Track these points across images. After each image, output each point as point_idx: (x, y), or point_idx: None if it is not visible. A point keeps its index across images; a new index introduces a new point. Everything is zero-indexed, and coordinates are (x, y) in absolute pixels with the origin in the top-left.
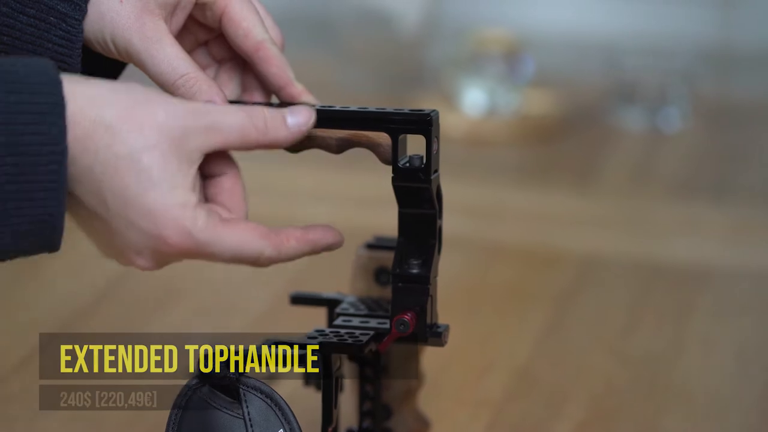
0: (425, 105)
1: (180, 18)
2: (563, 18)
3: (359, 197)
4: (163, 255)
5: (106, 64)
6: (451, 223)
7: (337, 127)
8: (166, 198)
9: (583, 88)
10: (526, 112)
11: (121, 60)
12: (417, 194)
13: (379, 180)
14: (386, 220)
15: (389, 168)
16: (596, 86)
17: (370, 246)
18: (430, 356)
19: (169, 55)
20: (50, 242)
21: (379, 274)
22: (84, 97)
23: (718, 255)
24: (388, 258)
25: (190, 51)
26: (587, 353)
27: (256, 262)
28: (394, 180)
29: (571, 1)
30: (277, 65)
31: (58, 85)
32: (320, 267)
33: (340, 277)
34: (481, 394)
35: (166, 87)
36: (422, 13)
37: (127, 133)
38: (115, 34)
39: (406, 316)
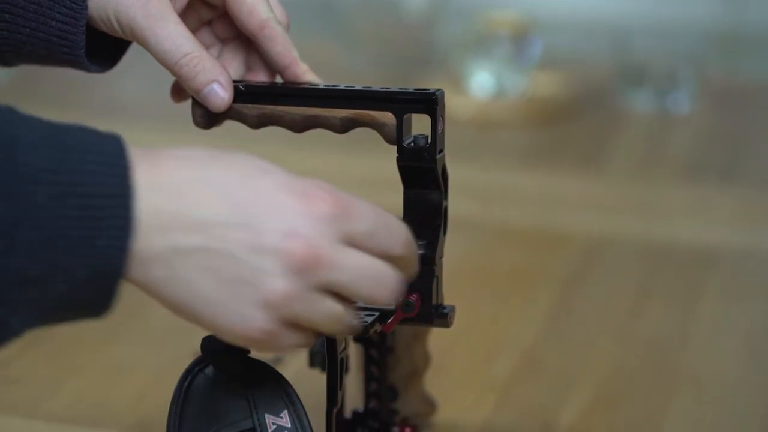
0: (432, 87)
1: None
2: (571, 0)
3: (364, 179)
4: (318, 229)
5: (109, 43)
6: (458, 205)
7: (341, 106)
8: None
9: (591, 71)
10: (534, 94)
11: (125, 38)
12: (422, 174)
13: (385, 161)
14: (391, 201)
15: (394, 148)
16: (604, 68)
17: None
18: (436, 338)
19: (173, 34)
20: (104, 302)
21: None
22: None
23: (727, 238)
24: None
25: (194, 30)
26: (594, 336)
27: (397, 231)
28: (398, 160)
29: None
30: (281, 44)
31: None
32: None
33: None
34: (487, 376)
35: (169, 66)
36: None
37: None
38: (119, 11)
39: (411, 297)
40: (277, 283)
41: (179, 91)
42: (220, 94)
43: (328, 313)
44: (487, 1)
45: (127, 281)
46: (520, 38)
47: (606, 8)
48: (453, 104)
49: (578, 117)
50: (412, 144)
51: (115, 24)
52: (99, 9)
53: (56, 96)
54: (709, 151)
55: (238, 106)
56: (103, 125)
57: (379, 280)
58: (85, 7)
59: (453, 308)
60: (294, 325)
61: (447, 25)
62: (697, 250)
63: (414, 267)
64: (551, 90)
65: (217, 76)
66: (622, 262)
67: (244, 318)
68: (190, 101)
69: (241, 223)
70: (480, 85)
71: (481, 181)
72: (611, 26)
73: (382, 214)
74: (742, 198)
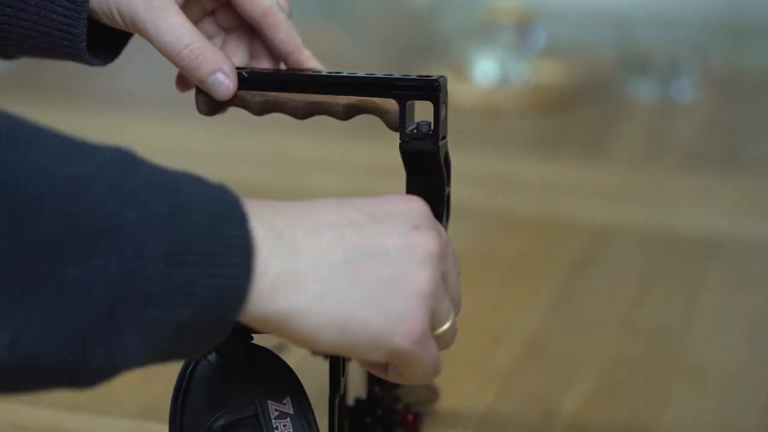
0: (436, 74)
1: None
2: None
3: (369, 166)
4: (432, 221)
5: (110, 35)
6: (461, 192)
7: (344, 93)
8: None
9: (595, 59)
10: (538, 83)
11: (126, 31)
12: (424, 161)
13: (389, 149)
14: (396, 189)
15: (397, 135)
16: (607, 57)
17: None
18: None
19: (174, 25)
20: (221, 331)
21: None
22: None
23: (730, 226)
24: None
25: (197, 20)
26: (597, 324)
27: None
28: (401, 146)
29: None
30: (284, 31)
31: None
32: None
33: None
34: (490, 364)
35: (171, 57)
36: None
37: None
38: (120, 3)
39: None
40: (424, 273)
41: (184, 80)
42: (225, 83)
43: (449, 312)
44: None
45: (260, 318)
46: (523, 26)
47: None
48: (456, 92)
49: (581, 105)
50: (415, 130)
51: (117, 16)
52: (101, 2)
53: (59, 86)
54: (712, 139)
55: (242, 93)
56: (106, 115)
57: (457, 306)
58: (87, 0)
59: None
60: (433, 326)
61: (450, 13)
62: (699, 238)
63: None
64: (554, 78)
65: (220, 65)
66: (624, 251)
67: (405, 312)
68: (194, 90)
69: (367, 228)
70: (483, 73)
71: (484, 168)
72: (614, 15)
73: (455, 254)
74: (744, 187)
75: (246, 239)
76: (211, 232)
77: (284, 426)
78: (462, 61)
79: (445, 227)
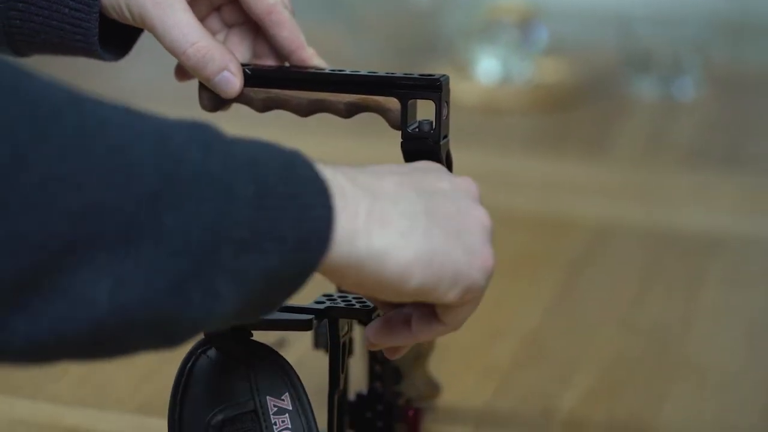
0: (438, 73)
1: None
2: None
3: (370, 162)
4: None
5: (122, 30)
6: None
7: (346, 91)
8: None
9: (597, 57)
10: (540, 81)
11: (136, 26)
12: (426, 159)
13: (392, 146)
14: None
15: (399, 133)
16: (610, 55)
17: None
18: None
19: (181, 22)
20: (305, 277)
21: None
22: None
23: (730, 224)
24: None
25: (204, 16)
26: (597, 322)
27: None
28: (403, 145)
29: None
30: (288, 29)
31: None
32: None
33: None
34: (489, 360)
35: (178, 55)
36: None
37: None
38: (130, 3)
39: None
40: (479, 209)
41: (182, 70)
42: (231, 81)
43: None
44: None
45: (347, 262)
46: (525, 24)
47: None
48: (459, 90)
49: (583, 103)
50: (417, 129)
51: (126, 12)
52: (113, 5)
53: (64, 83)
54: (713, 137)
55: (245, 89)
56: None
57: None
58: None
59: None
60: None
61: (453, 11)
62: (699, 236)
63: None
64: (557, 76)
65: (226, 63)
66: (625, 249)
67: (480, 246)
68: (195, 84)
69: (433, 187)
70: (486, 71)
71: (485, 166)
72: (617, 13)
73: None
74: (745, 185)
75: (324, 182)
76: (291, 175)
77: (282, 422)
78: (464, 60)
79: None
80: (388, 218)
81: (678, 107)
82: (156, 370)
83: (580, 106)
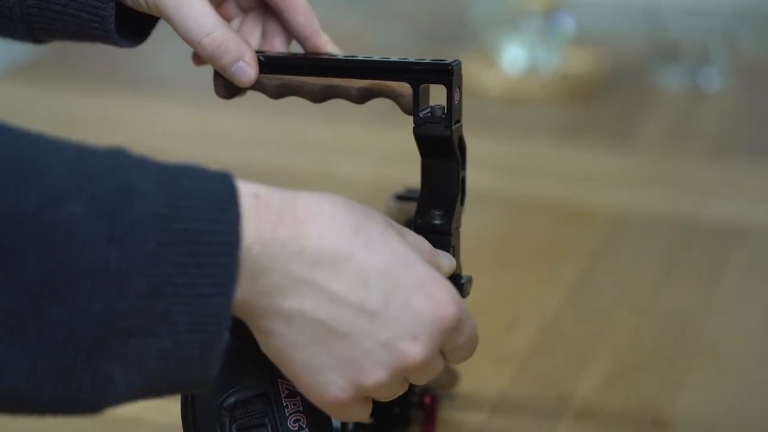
0: (465, 62)
1: None
2: None
3: (393, 152)
4: (442, 331)
5: (139, 18)
6: (485, 178)
7: (359, 76)
8: (428, 267)
9: (624, 47)
10: (566, 71)
11: (151, 14)
12: (438, 144)
13: (408, 133)
14: (415, 174)
15: (411, 120)
16: (636, 45)
17: (400, 197)
18: None
19: (196, 11)
20: (207, 358)
21: (408, 225)
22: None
23: (754, 214)
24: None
25: (220, 3)
26: (615, 309)
27: (474, 349)
28: (415, 130)
29: None
30: (304, 14)
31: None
32: None
33: None
34: (506, 347)
35: (194, 45)
36: None
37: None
38: None
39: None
40: (381, 375)
41: (199, 57)
42: (247, 71)
43: (393, 395)
44: None
45: (246, 321)
46: (552, 14)
47: None
48: (484, 80)
49: (610, 94)
50: (429, 114)
51: (142, 1)
52: None
53: (89, 71)
54: (740, 127)
55: (260, 76)
56: (134, 98)
57: (433, 374)
58: None
59: (470, 278)
60: (366, 399)
61: (480, 0)
62: (723, 226)
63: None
64: (583, 66)
65: (242, 53)
66: (647, 238)
67: (334, 388)
68: (210, 70)
69: (371, 312)
70: (512, 60)
71: (510, 156)
72: (643, 2)
73: (474, 333)
74: None
75: (232, 268)
76: (196, 263)
77: (294, 405)
78: (490, 49)
79: (460, 211)
80: (275, 321)
81: (704, 97)
82: None
83: (605, 97)
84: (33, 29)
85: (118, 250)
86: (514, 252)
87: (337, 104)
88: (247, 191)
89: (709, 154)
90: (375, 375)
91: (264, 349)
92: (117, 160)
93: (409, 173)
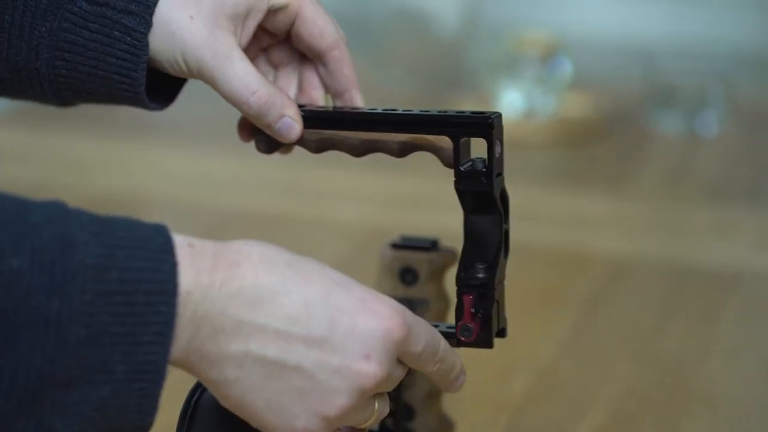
0: (463, 106)
1: (250, 28)
2: (601, 21)
3: (389, 198)
4: (393, 343)
5: (166, 81)
6: None
7: (399, 130)
8: (364, 287)
9: (621, 92)
10: (564, 115)
11: (191, 77)
12: (480, 198)
13: (409, 180)
14: (414, 219)
15: (421, 168)
16: (634, 89)
17: (395, 246)
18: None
19: (240, 72)
20: (145, 406)
21: (404, 274)
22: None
23: (750, 260)
24: (412, 258)
25: (252, 58)
26: (612, 356)
27: (438, 353)
28: (456, 184)
29: (611, 3)
30: (349, 67)
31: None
32: (348, 267)
33: (368, 277)
34: (502, 395)
35: (240, 104)
36: (461, 14)
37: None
38: (186, 52)
39: (470, 323)
40: (342, 400)
41: (246, 130)
42: (293, 127)
43: (368, 416)
44: (517, 20)
45: (197, 377)
46: (549, 58)
47: (636, 29)
48: None
49: (607, 138)
50: (470, 167)
51: (183, 65)
52: (166, 51)
53: (89, 114)
54: (737, 173)
55: (302, 135)
56: (136, 142)
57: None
58: (147, 44)
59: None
60: (343, 424)
61: (478, 44)
62: (719, 271)
63: (448, 380)
64: (580, 111)
65: (287, 109)
66: (644, 283)
67: (301, 422)
68: (217, 118)
69: (318, 340)
70: (509, 104)
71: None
72: (641, 47)
73: (431, 337)
74: (766, 219)
75: (169, 316)
76: (134, 312)
77: None
78: (489, 93)
79: (504, 264)
80: (222, 364)
81: (701, 142)
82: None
83: (603, 141)
84: (60, 90)
85: (59, 301)
86: (510, 298)
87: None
88: (181, 241)
89: (705, 199)
90: (337, 402)
91: (223, 402)
92: (55, 211)
93: (406, 218)
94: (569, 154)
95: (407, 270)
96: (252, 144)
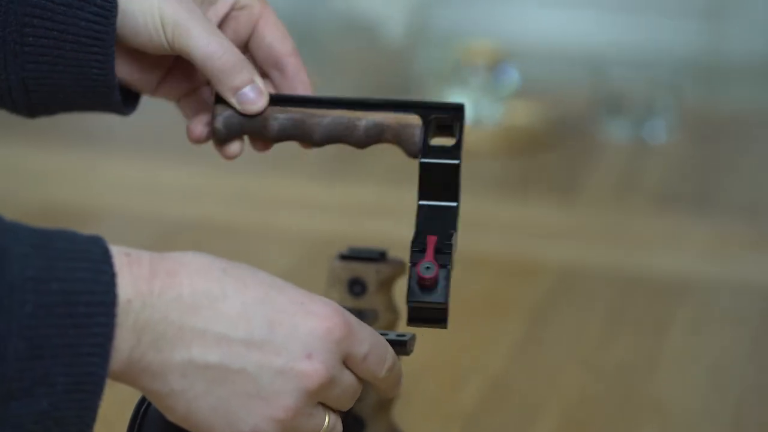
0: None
1: (219, 14)
2: (549, 29)
3: (338, 207)
4: (334, 342)
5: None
6: None
7: (370, 109)
8: (301, 290)
9: (569, 100)
10: (511, 124)
11: (160, 40)
12: (445, 176)
13: (358, 190)
14: (369, 230)
15: (370, 177)
16: (582, 97)
17: (344, 257)
18: (402, 367)
19: (215, 29)
20: (84, 418)
21: (353, 285)
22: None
23: (699, 268)
24: (361, 269)
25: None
26: (562, 365)
27: (386, 358)
28: (422, 164)
29: (557, 12)
30: (306, 74)
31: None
32: (297, 277)
33: (316, 288)
34: (453, 405)
35: (214, 58)
36: (407, 22)
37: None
38: (163, 8)
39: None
40: (288, 401)
41: (198, 127)
42: (262, 94)
43: (321, 424)
44: (464, 29)
45: (141, 390)
46: (496, 67)
47: (584, 37)
48: None
49: (554, 146)
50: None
51: (158, 22)
52: (143, 10)
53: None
54: (685, 180)
55: (266, 112)
56: (79, 151)
57: (353, 396)
58: (115, 5)
59: (413, 336)
60: None
61: (424, 53)
62: (668, 279)
63: (395, 389)
64: (527, 119)
65: (257, 76)
66: (593, 291)
67: (250, 429)
68: (159, 123)
69: (259, 342)
70: None
71: None
72: (588, 55)
73: (377, 341)
74: (714, 228)
75: (109, 327)
76: (74, 323)
77: None
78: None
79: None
80: (166, 374)
81: (650, 150)
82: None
83: (550, 149)
84: (26, 63)
85: None
86: (459, 308)
87: (289, 157)
88: (118, 251)
89: (654, 207)
90: (282, 403)
91: (169, 415)
92: None
93: (355, 228)
94: (517, 163)
95: (355, 281)
96: (200, 152)
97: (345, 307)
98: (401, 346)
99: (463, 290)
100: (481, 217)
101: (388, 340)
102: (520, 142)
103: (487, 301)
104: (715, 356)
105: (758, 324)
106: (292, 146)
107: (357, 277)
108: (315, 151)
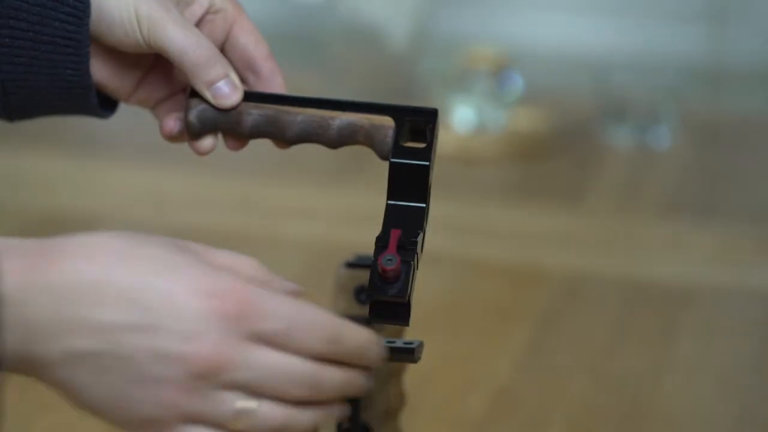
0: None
1: (195, 16)
2: (553, 35)
3: (342, 215)
4: (230, 319)
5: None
6: (435, 240)
7: (345, 109)
8: (202, 266)
9: (573, 106)
10: (515, 130)
11: (135, 35)
12: (415, 178)
13: (363, 198)
14: (372, 238)
15: (376, 185)
16: (585, 103)
17: (350, 265)
18: (409, 374)
19: (189, 24)
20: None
21: (359, 293)
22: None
23: (704, 275)
24: (367, 277)
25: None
26: (569, 373)
27: (317, 327)
28: (392, 164)
29: (561, 18)
30: (282, 77)
31: None
32: (303, 285)
33: (323, 296)
34: (460, 413)
35: (189, 51)
36: (411, 29)
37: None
38: (138, 3)
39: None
40: (174, 386)
41: (171, 125)
42: (236, 89)
43: (235, 411)
44: (468, 35)
45: (54, 388)
46: (500, 73)
47: (587, 43)
48: None
49: (558, 152)
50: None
51: (134, 16)
52: (119, 5)
53: (35, 131)
54: (689, 187)
55: (240, 107)
56: (81, 159)
57: (289, 377)
58: (88, 5)
59: (421, 343)
60: (202, 419)
61: (429, 59)
62: (674, 287)
63: (368, 357)
64: (532, 125)
65: (231, 71)
66: (599, 299)
67: (148, 413)
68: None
69: (140, 326)
70: (461, 120)
71: (460, 216)
72: (593, 61)
73: (302, 311)
74: (720, 235)
75: None
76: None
77: None
78: (439, 108)
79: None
80: (47, 367)
81: (654, 156)
82: None
83: (555, 156)
84: (2, 64)
85: None
86: (466, 315)
87: (291, 165)
88: (5, 243)
89: (658, 213)
90: (168, 388)
91: (76, 406)
92: None
93: (360, 236)
94: (521, 169)
95: (362, 289)
96: (204, 160)
97: (351, 316)
98: (409, 354)
99: (468, 298)
100: (484, 223)
101: (395, 347)
102: (523, 148)
103: (494, 308)
104: (721, 364)
105: (765, 331)
106: (296, 154)
107: (364, 284)
108: (320, 159)
